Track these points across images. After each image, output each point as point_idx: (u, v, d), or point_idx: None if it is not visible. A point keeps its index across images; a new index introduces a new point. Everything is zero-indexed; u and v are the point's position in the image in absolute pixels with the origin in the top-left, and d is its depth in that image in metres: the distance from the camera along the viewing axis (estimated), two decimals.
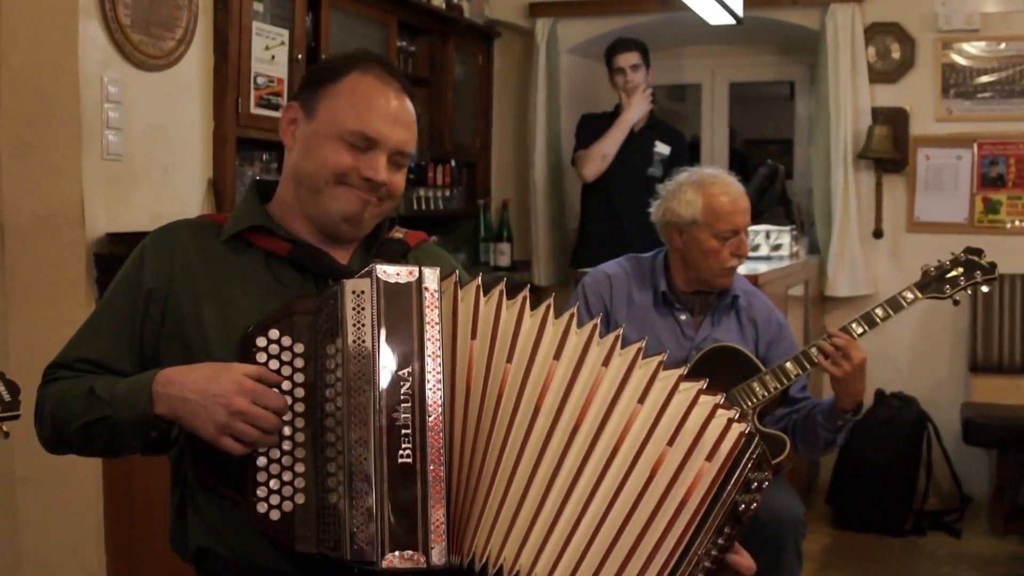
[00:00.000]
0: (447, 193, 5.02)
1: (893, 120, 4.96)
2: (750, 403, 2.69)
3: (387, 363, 1.48)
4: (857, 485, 4.59)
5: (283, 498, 1.54)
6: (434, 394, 1.49)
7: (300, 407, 1.55)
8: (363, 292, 1.50)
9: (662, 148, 4.74)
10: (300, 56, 3.80)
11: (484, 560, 1.51)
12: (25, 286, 3.06)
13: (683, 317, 2.86)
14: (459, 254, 5.02)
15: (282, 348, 1.55)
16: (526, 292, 1.60)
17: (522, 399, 1.54)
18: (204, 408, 1.51)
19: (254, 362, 1.54)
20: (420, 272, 1.53)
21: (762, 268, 4.04)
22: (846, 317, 2.68)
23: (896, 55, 4.98)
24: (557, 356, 1.55)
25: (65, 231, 3.03)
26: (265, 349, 1.55)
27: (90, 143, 3.04)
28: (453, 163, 5.08)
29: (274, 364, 1.55)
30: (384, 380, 1.48)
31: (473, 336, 1.55)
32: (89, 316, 1.75)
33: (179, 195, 3.37)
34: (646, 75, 4.70)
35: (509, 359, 1.55)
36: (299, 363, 1.55)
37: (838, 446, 2.77)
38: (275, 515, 1.53)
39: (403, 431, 1.47)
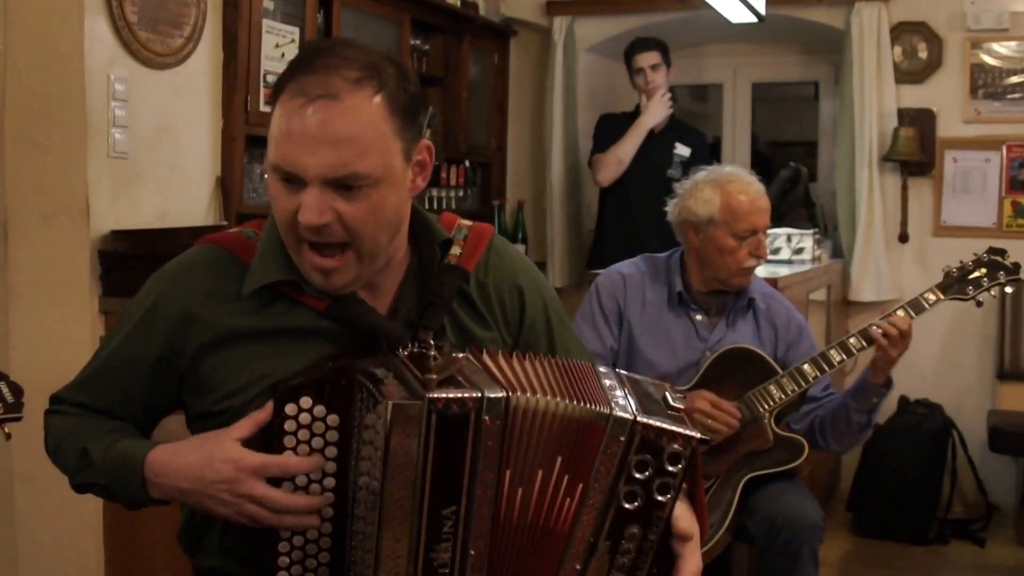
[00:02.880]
0: (461, 194, 4.97)
1: (919, 121, 4.86)
2: (766, 406, 2.64)
3: (431, 501, 1.31)
4: (879, 492, 4.50)
5: (306, 570, 1.40)
6: (479, 533, 1.34)
7: (330, 482, 1.37)
8: (411, 416, 1.29)
9: (682, 150, 4.67)
10: None
11: None
12: (29, 283, 3.04)
13: (698, 318, 2.80)
14: None
15: (315, 419, 1.37)
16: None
17: (526, 522, 1.38)
18: (207, 497, 1.39)
19: (282, 431, 1.36)
20: (482, 399, 1.30)
21: (783, 272, 3.96)
22: (869, 322, 2.62)
23: (923, 55, 4.88)
24: (540, 464, 1.37)
25: (70, 228, 3.01)
26: (295, 418, 1.36)
27: (96, 141, 3.01)
28: (467, 163, 5.03)
29: (303, 434, 1.37)
30: (426, 517, 1.31)
31: (507, 464, 1.35)
32: (95, 356, 1.60)
33: (186, 193, 3.33)
34: (667, 75, 4.62)
35: (522, 482, 1.37)
36: (332, 437, 1.37)
37: (871, 429, 2.74)
38: None
39: (441, 570, 1.33)
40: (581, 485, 1.37)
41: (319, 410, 1.36)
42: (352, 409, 1.36)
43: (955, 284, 2.65)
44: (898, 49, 4.89)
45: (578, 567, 1.38)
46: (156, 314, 1.52)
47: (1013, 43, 4.77)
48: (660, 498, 1.38)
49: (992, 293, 2.66)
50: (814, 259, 4.61)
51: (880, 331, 2.56)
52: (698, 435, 1.38)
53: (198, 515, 1.55)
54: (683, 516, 1.45)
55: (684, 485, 1.43)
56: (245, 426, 1.39)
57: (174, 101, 3.27)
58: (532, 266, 1.71)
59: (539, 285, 1.69)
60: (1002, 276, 2.65)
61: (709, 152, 4.90)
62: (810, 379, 2.63)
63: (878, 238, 4.88)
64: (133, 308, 1.57)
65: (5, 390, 1.47)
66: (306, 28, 3.74)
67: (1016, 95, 4.78)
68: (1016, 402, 4.69)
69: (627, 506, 1.37)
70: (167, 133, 3.25)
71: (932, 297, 2.64)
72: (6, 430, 1.47)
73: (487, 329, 1.60)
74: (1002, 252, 2.67)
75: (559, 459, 1.36)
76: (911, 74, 4.89)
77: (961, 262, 2.67)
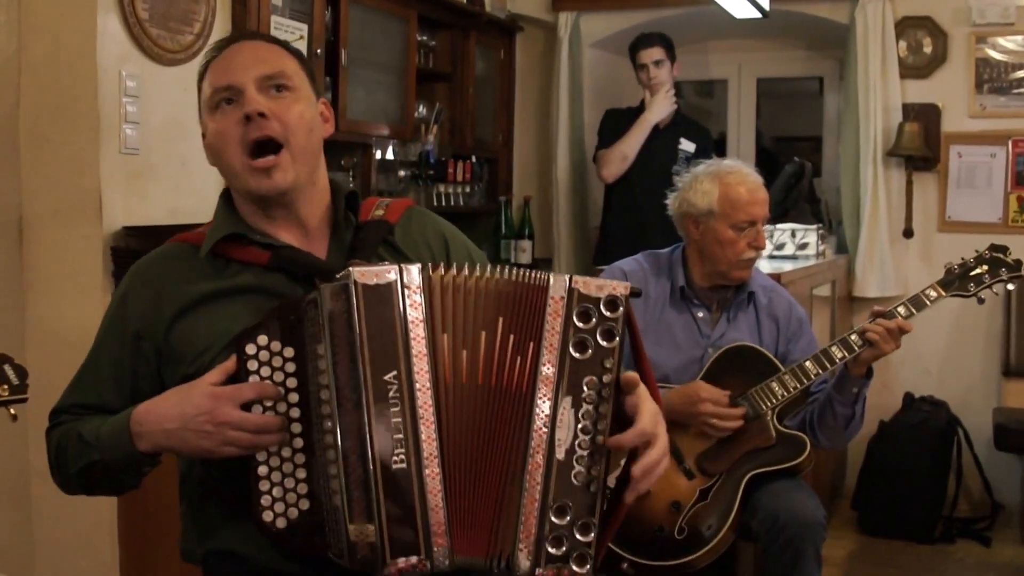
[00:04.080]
0: (468, 189, 4.99)
1: (924, 116, 4.87)
2: (769, 403, 2.65)
3: (373, 368, 1.46)
4: (884, 490, 4.50)
5: (288, 505, 1.52)
6: (423, 395, 1.48)
7: (296, 412, 1.53)
8: (342, 296, 1.47)
9: (687, 145, 4.69)
10: (319, 51, 3.78)
11: (499, 554, 1.49)
12: (43, 278, 3.07)
13: (700, 314, 2.83)
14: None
15: (272, 354, 1.53)
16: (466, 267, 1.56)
17: (477, 383, 1.52)
18: (189, 431, 1.50)
19: (246, 370, 1.52)
20: (400, 270, 1.50)
21: (787, 267, 3.99)
22: (864, 322, 2.64)
23: (928, 50, 4.89)
24: (483, 325, 1.53)
25: (83, 224, 3.04)
26: (256, 356, 1.52)
27: (108, 137, 3.04)
28: (474, 159, 5.05)
29: (265, 371, 1.53)
30: (371, 386, 1.46)
31: (444, 329, 1.52)
32: (83, 362, 1.73)
33: (196, 189, 3.36)
34: (671, 71, 4.64)
35: (464, 345, 1.52)
36: (290, 367, 1.53)
37: (860, 421, 2.74)
38: (281, 523, 1.52)
39: (395, 436, 1.46)
40: (532, 344, 1.50)
41: (275, 345, 1.52)
42: (304, 339, 1.51)
43: (956, 281, 2.67)
44: (903, 44, 4.90)
45: (546, 428, 1.48)
46: (127, 299, 1.69)
47: (1019, 37, 4.78)
48: (607, 344, 1.50)
49: (994, 290, 2.67)
50: (818, 254, 4.63)
51: (875, 335, 2.57)
52: (627, 286, 1.52)
53: (192, 505, 1.69)
54: (626, 373, 1.55)
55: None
56: (214, 374, 1.53)
57: (184, 97, 3.29)
58: (448, 223, 1.89)
59: (460, 234, 1.87)
60: (1004, 273, 2.66)
61: (714, 147, 4.93)
62: (812, 376, 2.65)
63: (883, 233, 4.89)
64: (110, 305, 1.73)
65: (10, 372, 1.52)
66: (314, 24, 3.76)
67: (1022, 90, 4.79)
68: (1022, 399, 4.70)
69: (578, 356, 1.50)
70: (177, 129, 3.28)
71: (933, 294, 2.65)
72: (12, 411, 1.52)
73: None
74: (1004, 249, 2.69)
75: (500, 321, 1.51)
76: (916, 69, 4.90)
77: (963, 259, 2.68)
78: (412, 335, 1.48)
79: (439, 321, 1.51)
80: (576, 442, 1.48)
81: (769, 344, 2.81)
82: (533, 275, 1.53)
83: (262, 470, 1.52)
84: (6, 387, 1.49)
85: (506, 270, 1.55)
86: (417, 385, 1.48)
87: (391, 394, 1.46)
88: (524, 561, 1.48)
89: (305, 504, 1.52)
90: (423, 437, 1.47)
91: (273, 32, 3.56)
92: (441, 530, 1.46)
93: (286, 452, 1.52)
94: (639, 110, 4.69)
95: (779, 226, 4.70)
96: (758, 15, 4.41)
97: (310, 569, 1.57)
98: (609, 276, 2.88)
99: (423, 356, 1.48)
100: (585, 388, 1.49)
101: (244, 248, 1.67)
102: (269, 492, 1.52)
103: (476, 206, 5.14)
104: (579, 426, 1.48)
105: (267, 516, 1.52)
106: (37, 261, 3.08)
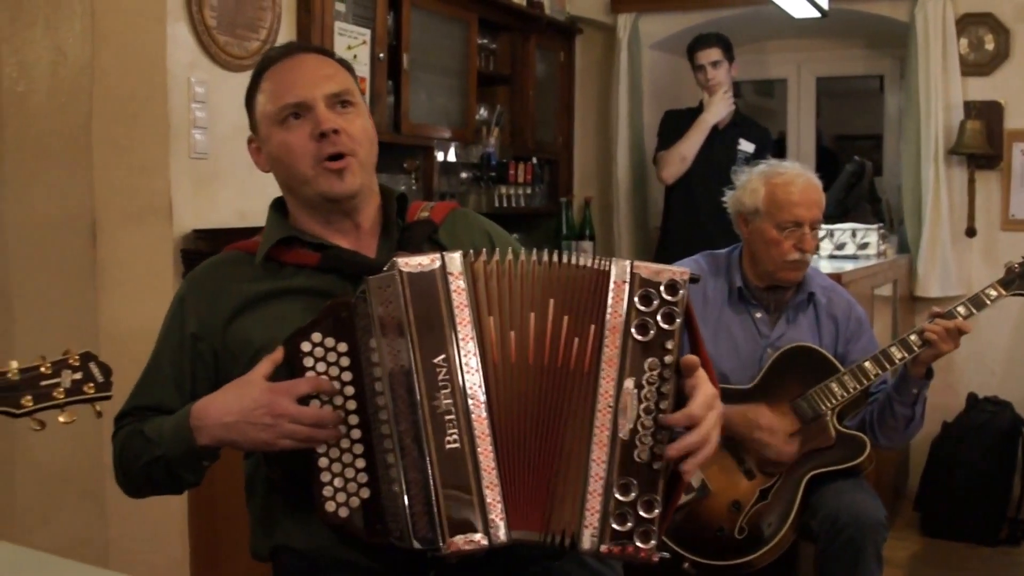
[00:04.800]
0: (529, 191, 5.03)
1: (987, 114, 4.80)
2: (828, 404, 2.66)
3: (423, 353, 1.52)
4: (947, 492, 4.46)
5: (349, 495, 1.57)
6: (471, 377, 1.53)
7: (352, 404, 1.58)
8: (389, 287, 1.54)
9: (746, 146, 4.67)
10: (382, 55, 3.84)
11: (562, 531, 1.53)
12: (115, 280, 3.15)
13: (758, 315, 2.84)
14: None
15: (327, 349, 1.58)
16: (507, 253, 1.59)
17: (528, 362, 1.56)
18: (248, 424, 1.56)
19: (302, 367, 1.58)
20: (442, 257, 1.55)
21: (848, 267, 3.98)
22: (923, 322, 2.64)
23: (990, 46, 4.83)
24: (532, 307, 1.57)
25: (153, 228, 3.11)
26: (311, 353, 1.58)
27: (177, 142, 3.11)
28: (535, 160, 5.08)
29: (321, 367, 1.58)
30: (421, 370, 1.51)
31: (489, 312, 1.56)
32: (145, 366, 1.81)
33: (263, 193, 3.38)
34: (728, 71, 4.63)
35: (511, 326, 1.56)
36: (345, 362, 1.58)
37: (920, 422, 2.74)
38: (343, 512, 1.57)
39: (447, 417, 1.51)
40: (593, 326, 1.54)
41: (329, 341, 1.58)
42: (356, 334, 1.57)
43: (1017, 280, 2.65)
44: (964, 41, 4.84)
45: (610, 408, 1.52)
46: (185, 303, 1.78)
47: None
48: (668, 326, 1.54)
49: None
50: (879, 254, 4.59)
51: (934, 335, 2.58)
52: (686, 271, 1.56)
53: (259, 504, 1.76)
54: (685, 356, 1.58)
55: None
56: (264, 365, 1.58)
57: None
58: (494, 223, 1.95)
59: (506, 233, 1.93)
60: None
61: (773, 148, 4.91)
62: (872, 376, 2.65)
63: (944, 233, 4.84)
64: (169, 310, 1.81)
65: (95, 369, 1.57)
66: (376, 29, 3.82)
67: None
68: None
69: (640, 338, 1.53)
70: (244, 134, 3.33)
71: (993, 293, 2.64)
72: (97, 408, 1.58)
73: None
74: None
75: (552, 303, 1.56)
76: (977, 66, 4.84)
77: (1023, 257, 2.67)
78: (458, 319, 1.54)
79: (484, 304, 1.56)
80: (639, 422, 1.52)
81: (828, 344, 2.81)
82: (594, 260, 1.58)
83: (322, 462, 1.57)
84: (92, 385, 1.55)
85: (555, 255, 1.59)
86: (465, 367, 1.53)
87: (440, 377, 1.52)
88: (589, 538, 1.51)
89: (365, 493, 1.57)
90: (474, 417, 1.52)
91: (337, 38, 3.63)
92: (497, 507, 1.51)
93: (345, 443, 1.58)
94: (698, 111, 4.69)
95: (839, 226, 4.67)
96: (817, 15, 4.40)
97: (373, 556, 1.63)
98: None
99: (469, 338, 1.54)
100: (647, 369, 1.53)
101: (295, 251, 1.75)
102: (330, 483, 1.57)
103: (537, 207, 5.18)
104: (641, 406, 1.52)
105: (329, 506, 1.57)
106: (109, 263, 3.16)
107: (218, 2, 3.19)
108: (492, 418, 1.53)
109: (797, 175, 2.82)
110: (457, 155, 4.62)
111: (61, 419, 1.53)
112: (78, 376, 1.54)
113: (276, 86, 1.73)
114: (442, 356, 1.52)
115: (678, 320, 1.54)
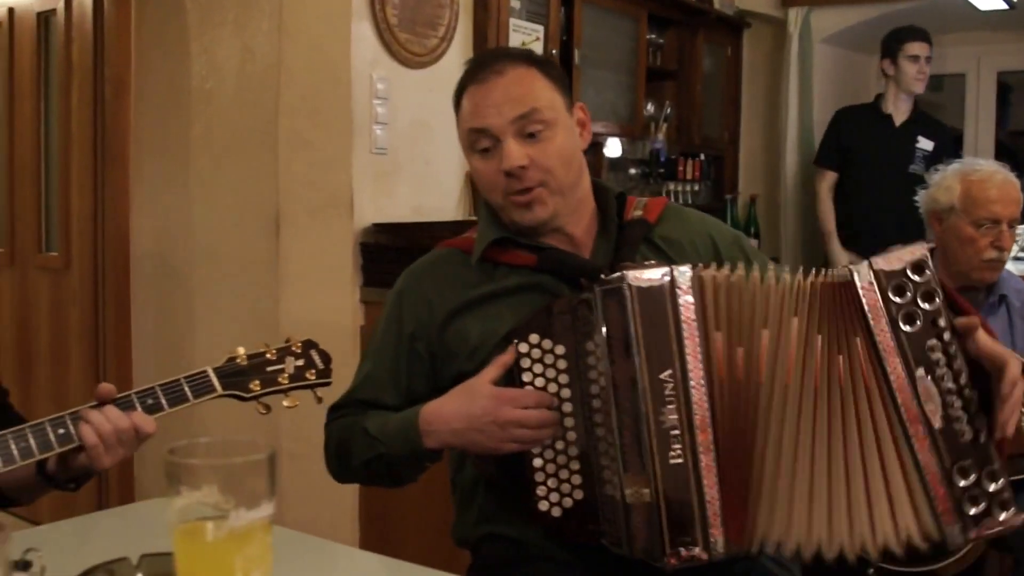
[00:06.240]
0: (696, 187, 4.97)
1: None
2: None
3: (649, 367, 1.50)
4: None
5: (562, 495, 1.58)
6: (698, 393, 1.51)
7: (568, 407, 1.58)
8: (616, 299, 1.52)
9: (925, 143, 4.52)
10: (554, 51, 3.85)
11: (763, 541, 1.51)
12: (297, 271, 3.25)
13: None
14: None
15: (544, 351, 1.60)
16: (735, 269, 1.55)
17: (758, 380, 1.52)
18: (478, 431, 1.59)
19: (518, 367, 1.60)
20: (672, 272, 1.53)
21: None
22: None
23: None
24: (764, 324, 1.53)
25: (334, 221, 3.19)
26: (528, 355, 1.60)
27: (360, 138, 3.18)
28: (702, 157, 5.02)
29: (538, 367, 1.59)
30: (647, 385, 1.50)
31: (717, 328, 1.54)
32: (361, 363, 1.85)
33: (439, 188, 3.48)
34: None
35: (740, 343, 1.53)
36: (562, 364, 1.59)
37: None
38: (556, 512, 1.59)
39: (672, 432, 1.50)
40: (858, 338, 1.50)
41: (547, 343, 1.60)
42: (575, 338, 1.58)
43: None
44: None
45: (913, 404, 1.48)
46: (403, 299, 1.80)
47: None
48: (931, 305, 1.49)
49: None
50: None
51: None
52: (922, 247, 1.51)
53: (465, 495, 1.77)
54: (959, 320, 1.52)
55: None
56: (493, 369, 1.60)
57: (428, 98, 3.42)
58: (714, 218, 1.92)
59: (725, 229, 1.90)
60: None
61: (954, 145, 4.73)
62: None
63: None
64: (386, 308, 1.83)
65: (316, 357, 1.63)
66: (550, 25, 3.83)
67: None
68: None
69: (911, 328, 1.49)
70: (422, 129, 3.40)
71: None
72: (318, 394, 1.64)
73: None
74: None
75: (795, 321, 1.51)
76: None
77: None
78: (686, 335, 1.52)
79: (712, 320, 1.53)
80: (947, 404, 1.48)
81: (1021, 349, 2.69)
82: (829, 273, 1.54)
83: (537, 462, 1.59)
84: (313, 371, 1.61)
85: (786, 270, 1.56)
86: (692, 383, 1.51)
87: (667, 392, 1.50)
88: (955, 531, 1.49)
89: (579, 494, 1.58)
90: (698, 433, 1.50)
91: (512, 34, 3.65)
92: (716, 521, 1.50)
93: (559, 445, 1.59)
94: (874, 107, 4.55)
95: None
96: (1004, 6, 4.22)
97: (582, 554, 1.63)
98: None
99: (696, 354, 1.51)
100: (931, 354, 1.49)
101: (511, 252, 1.75)
102: (544, 483, 1.59)
103: (702, 204, 5.11)
104: (942, 388, 1.48)
105: (543, 506, 1.59)
106: (291, 255, 3.25)
107: (400, 0, 3.24)
108: (716, 435, 1.51)
109: (994, 172, 2.74)
110: (624, 150, 4.60)
111: (285, 403, 1.59)
112: (300, 363, 1.60)
113: (470, 110, 1.72)
114: (668, 371, 1.50)
115: (938, 297, 1.50)
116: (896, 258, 1.51)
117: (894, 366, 1.49)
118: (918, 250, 1.51)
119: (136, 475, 3.80)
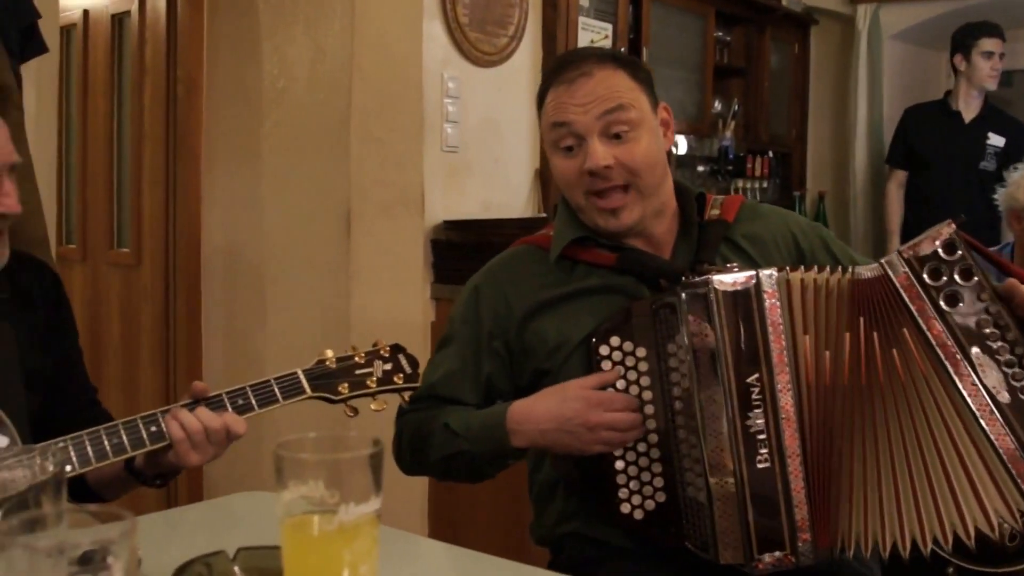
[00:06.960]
0: (764, 185, 4.94)
1: None
2: None
3: (736, 372, 1.49)
4: None
5: (644, 497, 1.58)
6: (784, 397, 1.50)
7: (650, 409, 1.58)
8: (702, 303, 1.51)
9: (996, 139, 4.44)
10: (623, 49, 3.84)
11: (849, 542, 1.50)
12: (368, 268, 3.26)
13: None
14: None
15: (625, 354, 1.59)
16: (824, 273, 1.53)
17: (843, 383, 1.50)
18: (567, 433, 1.58)
19: (600, 371, 1.60)
20: (757, 276, 1.51)
21: None
22: None
23: None
24: (841, 328, 1.51)
25: (405, 218, 3.21)
26: (609, 356, 1.60)
27: (431, 136, 3.20)
28: (770, 154, 4.98)
29: (619, 370, 1.59)
30: (734, 389, 1.49)
31: (805, 331, 1.52)
32: (435, 357, 1.83)
33: (508, 185, 3.49)
34: None
35: (827, 346, 1.51)
36: (643, 367, 1.59)
37: None
38: (639, 515, 1.59)
39: (759, 437, 1.49)
40: (906, 330, 1.47)
41: (628, 345, 1.60)
42: (655, 339, 1.58)
43: None
44: None
45: (976, 385, 1.45)
46: (480, 296, 1.77)
47: None
48: (970, 282, 1.46)
49: None
50: None
51: None
52: (949, 224, 1.49)
53: (543, 494, 1.76)
54: (1000, 285, 1.50)
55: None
56: (593, 379, 1.60)
57: (498, 97, 3.43)
58: (791, 212, 1.89)
59: (805, 221, 1.85)
60: None
61: None
62: None
63: None
64: (463, 304, 1.80)
65: (404, 361, 1.65)
66: (618, 24, 3.83)
67: None
68: None
69: (953, 309, 1.46)
70: (492, 128, 3.41)
71: None
72: (406, 398, 1.65)
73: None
74: None
75: (862, 321, 1.49)
76: None
77: None
78: (772, 338, 1.51)
79: (799, 324, 1.52)
80: (1010, 379, 1.45)
81: None
82: (865, 271, 1.53)
83: (619, 464, 1.59)
84: (401, 375, 1.61)
85: (839, 268, 1.54)
86: (779, 387, 1.50)
87: (754, 396, 1.49)
88: None
89: (662, 497, 1.58)
90: (786, 438, 1.49)
91: (580, 33, 3.65)
92: (805, 526, 1.49)
93: (641, 447, 1.59)
94: (943, 104, 4.49)
95: None
96: None
97: (663, 554, 1.62)
98: None
99: (784, 359, 1.50)
100: (982, 329, 1.46)
101: (590, 251, 1.74)
102: (626, 485, 1.59)
103: (770, 201, 5.07)
104: (1001, 361, 1.46)
105: (624, 508, 1.59)
106: (362, 252, 3.27)
107: (470, 0, 3.25)
108: (803, 439, 1.50)
109: None
110: (691, 148, 4.57)
111: (372, 406, 1.60)
112: (388, 366, 1.61)
113: (554, 106, 1.69)
114: (755, 376, 1.50)
115: (975, 274, 1.46)
116: (924, 241, 1.49)
117: (948, 351, 1.46)
118: (945, 229, 1.48)
119: (205, 471, 3.85)
